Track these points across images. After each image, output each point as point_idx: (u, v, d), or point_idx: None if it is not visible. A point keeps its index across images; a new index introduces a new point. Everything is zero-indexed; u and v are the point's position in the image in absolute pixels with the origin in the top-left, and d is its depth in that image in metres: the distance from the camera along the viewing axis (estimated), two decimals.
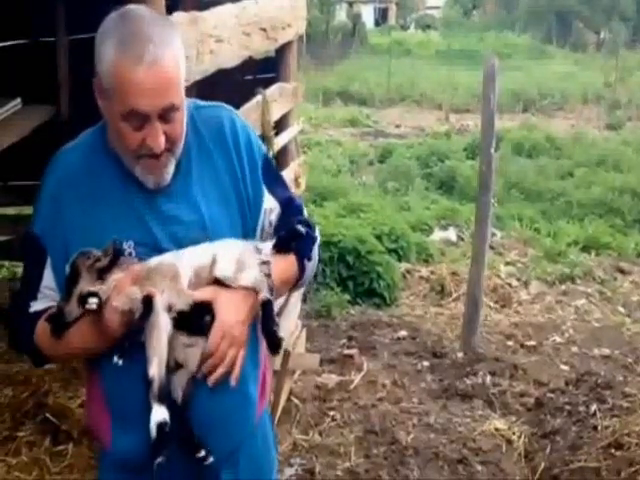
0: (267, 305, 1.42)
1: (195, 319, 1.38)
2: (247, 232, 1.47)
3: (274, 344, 1.44)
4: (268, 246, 1.45)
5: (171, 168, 1.39)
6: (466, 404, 3.76)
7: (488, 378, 4.01)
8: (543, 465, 3.25)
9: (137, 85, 1.29)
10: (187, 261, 1.38)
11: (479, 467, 3.22)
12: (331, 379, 3.86)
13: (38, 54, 3.56)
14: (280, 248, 1.46)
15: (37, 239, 1.43)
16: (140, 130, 1.33)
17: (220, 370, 1.38)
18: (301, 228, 1.49)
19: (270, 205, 1.50)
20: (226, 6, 2.53)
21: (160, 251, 1.40)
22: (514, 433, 3.50)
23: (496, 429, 3.53)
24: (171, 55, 1.32)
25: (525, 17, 32.12)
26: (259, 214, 1.49)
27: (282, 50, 3.46)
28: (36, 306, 1.45)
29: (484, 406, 3.76)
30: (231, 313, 1.38)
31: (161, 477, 1.37)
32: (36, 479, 2.79)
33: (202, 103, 1.52)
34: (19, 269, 5.00)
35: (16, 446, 2.92)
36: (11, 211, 4.70)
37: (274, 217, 1.50)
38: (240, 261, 1.40)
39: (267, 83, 3.32)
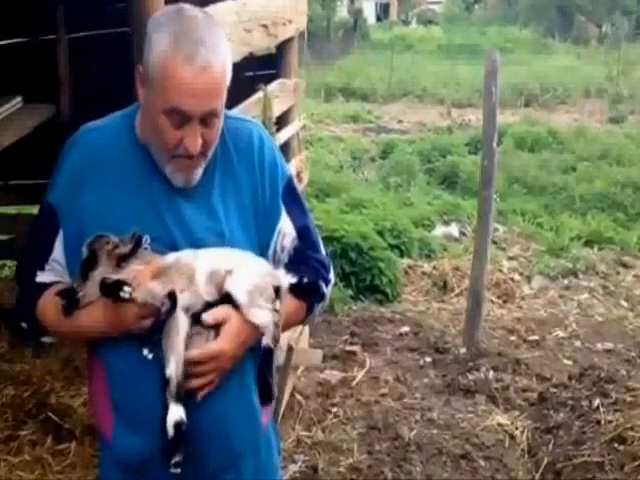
0: (268, 354, 1.41)
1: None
2: (262, 247, 1.48)
3: (266, 395, 1.44)
4: (285, 281, 1.43)
5: (200, 171, 1.40)
6: (469, 399, 3.76)
7: (491, 373, 4.00)
8: (546, 460, 3.25)
9: (185, 85, 1.30)
10: (204, 262, 1.38)
11: (482, 462, 3.22)
12: (334, 375, 3.86)
13: (39, 52, 3.56)
14: (297, 295, 1.47)
15: (52, 210, 1.43)
16: (179, 129, 1.34)
17: (191, 383, 1.37)
18: (324, 287, 1.50)
19: (286, 229, 1.50)
20: (226, 2, 2.53)
21: (175, 250, 1.39)
22: (517, 428, 3.50)
23: (499, 424, 3.52)
24: (221, 61, 1.34)
25: (527, 11, 31.96)
26: (273, 233, 1.49)
27: (283, 46, 3.46)
28: (42, 277, 1.44)
29: (487, 401, 3.75)
30: (233, 344, 1.38)
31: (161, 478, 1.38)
32: (38, 478, 2.80)
33: (231, 113, 1.53)
34: None
35: (18, 445, 2.92)
36: (12, 210, 4.70)
37: (288, 243, 1.50)
38: (255, 291, 1.38)
39: (268, 80, 3.32)
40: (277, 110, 3.16)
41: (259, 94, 2.92)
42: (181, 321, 1.35)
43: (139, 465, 1.43)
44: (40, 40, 3.60)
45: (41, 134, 2.88)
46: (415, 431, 3.40)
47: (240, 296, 1.37)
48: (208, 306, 1.38)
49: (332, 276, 1.55)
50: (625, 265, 6.25)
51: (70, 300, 1.37)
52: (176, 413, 1.33)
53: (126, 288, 1.31)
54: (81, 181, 1.41)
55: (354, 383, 3.84)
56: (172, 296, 1.33)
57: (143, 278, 1.33)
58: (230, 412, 1.43)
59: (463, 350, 4.32)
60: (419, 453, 3.23)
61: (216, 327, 1.38)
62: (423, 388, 3.88)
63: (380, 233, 5.70)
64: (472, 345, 4.33)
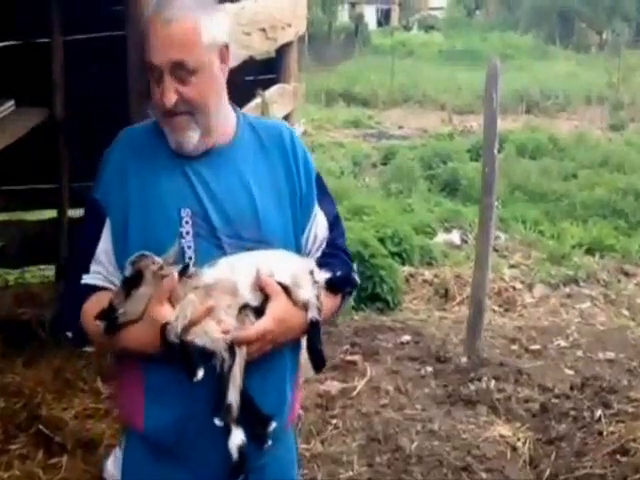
0: (315, 325, 1.46)
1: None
2: (297, 230, 1.53)
3: (318, 362, 1.49)
4: (321, 275, 1.49)
5: (193, 134, 1.45)
6: (470, 410, 3.73)
7: (492, 383, 3.97)
8: (548, 472, 3.22)
9: (152, 38, 1.42)
10: (243, 273, 1.41)
11: (484, 475, 3.18)
12: (334, 386, 3.83)
13: (32, 55, 3.54)
14: (333, 288, 1.52)
15: (98, 205, 1.48)
16: (159, 86, 1.43)
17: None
18: (356, 277, 1.58)
19: (319, 216, 1.57)
20: (225, 5, 2.51)
21: (210, 225, 1.44)
22: (519, 439, 3.47)
23: (501, 435, 3.49)
24: (190, 18, 1.41)
25: (528, 17, 32.02)
26: (309, 219, 1.55)
27: (282, 50, 3.44)
28: (88, 280, 1.47)
29: (488, 412, 3.72)
30: (277, 326, 1.42)
31: (194, 464, 1.43)
32: None
33: (261, 117, 1.67)
34: (11, 277, 4.98)
35: (8, 459, 2.87)
36: (3, 216, 4.64)
37: (321, 231, 1.57)
38: (295, 277, 1.44)
39: (268, 84, 3.30)
40: (276, 115, 3.14)
41: (257, 99, 2.90)
42: (239, 355, 1.38)
43: (172, 444, 1.45)
44: (34, 43, 3.57)
45: (33, 138, 2.86)
46: (416, 443, 3.36)
47: (286, 280, 1.43)
48: (255, 310, 1.41)
49: (355, 266, 1.63)
50: (626, 273, 6.24)
51: (110, 320, 1.38)
52: (238, 437, 1.37)
53: (200, 373, 1.34)
54: (126, 170, 1.48)
55: (354, 393, 3.80)
56: (232, 350, 1.36)
57: (200, 317, 1.36)
58: (265, 395, 1.45)
59: (464, 359, 4.29)
60: (420, 465, 3.20)
61: (261, 312, 1.41)
62: (424, 398, 3.85)
63: (381, 240, 5.68)
64: (473, 354, 4.30)
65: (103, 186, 1.50)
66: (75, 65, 3.39)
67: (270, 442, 1.44)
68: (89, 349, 1.56)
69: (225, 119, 1.52)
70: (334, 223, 1.60)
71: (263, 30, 2.88)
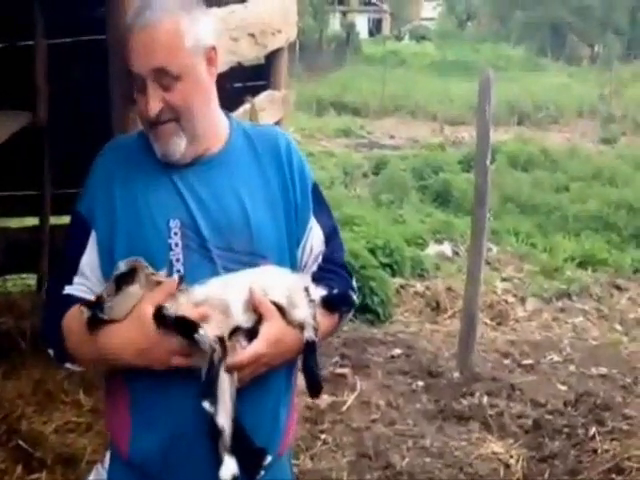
0: (311, 346, 1.39)
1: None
2: (292, 242, 1.47)
3: (315, 387, 1.41)
4: (317, 293, 1.42)
5: (179, 142, 1.40)
6: (462, 426, 3.67)
7: (485, 399, 3.92)
8: None
9: (130, 46, 1.37)
10: (235, 291, 1.34)
11: None
12: (323, 400, 3.75)
13: (15, 58, 3.45)
14: (329, 307, 1.44)
15: (81, 215, 1.44)
16: (143, 95, 1.38)
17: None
18: (353, 295, 1.50)
19: (315, 229, 1.50)
20: (212, 9, 2.45)
21: (200, 236, 1.39)
22: (512, 457, 3.41)
23: (493, 453, 3.43)
24: (169, 21, 1.35)
25: (520, 29, 32.29)
26: (304, 230, 1.49)
27: (272, 57, 3.40)
28: (70, 290, 1.41)
29: (481, 428, 3.66)
30: (271, 348, 1.35)
31: None
32: None
33: (257, 124, 1.62)
34: None
35: None
36: None
37: (316, 245, 1.50)
38: (290, 296, 1.38)
39: (257, 91, 3.25)
40: (265, 123, 3.07)
41: (246, 106, 2.84)
42: (226, 375, 1.31)
43: (159, 471, 1.39)
44: (17, 45, 3.49)
45: (15, 143, 2.78)
46: (407, 459, 3.30)
47: (281, 300, 1.37)
48: (248, 332, 1.34)
49: (354, 281, 1.56)
50: (619, 287, 6.22)
51: (96, 310, 1.31)
52: (231, 466, 1.29)
53: (202, 331, 1.27)
54: (112, 181, 1.44)
55: (344, 408, 3.73)
56: (222, 341, 1.29)
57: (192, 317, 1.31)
58: (257, 415, 1.38)
59: (456, 374, 4.23)
60: None
61: (254, 333, 1.35)
62: (415, 414, 3.78)
63: (372, 251, 5.62)
64: (466, 369, 4.25)
65: (88, 198, 1.45)
66: (59, 69, 3.32)
67: (262, 473, 1.36)
68: (70, 366, 1.47)
69: (215, 125, 1.46)
70: (331, 236, 1.52)
71: (252, 35, 2.83)
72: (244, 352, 1.32)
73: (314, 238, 1.49)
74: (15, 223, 4.68)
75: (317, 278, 1.46)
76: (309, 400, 3.73)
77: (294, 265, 1.47)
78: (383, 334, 4.88)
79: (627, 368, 4.52)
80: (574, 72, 24.38)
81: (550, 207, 8.69)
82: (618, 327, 5.41)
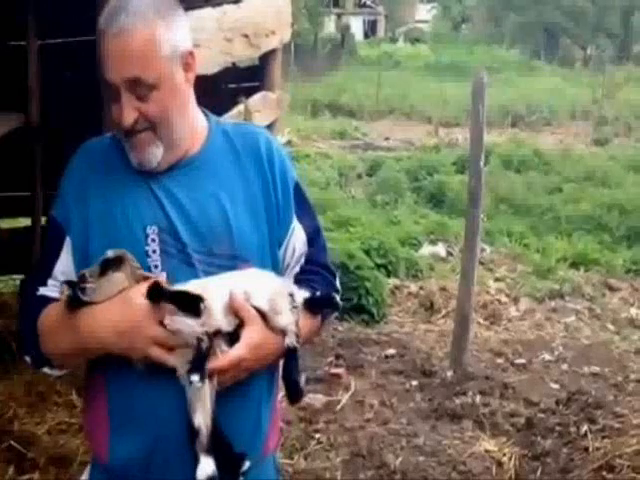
0: (293, 353, 1.37)
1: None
2: (273, 244, 1.44)
3: (295, 394, 1.39)
4: (300, 296, 1.40)
5: (155, 151, 1.36)
6: (455, 425, 3.69)
7: (478, 397, 3.94)
8: None
9: (105, 53, 1.31)
10: (215, 293, 1.31)
11: None
12: (317, 399, 3.77)
13: (7, 59, 3.44)
14: (312, 308, 1.43)
15: (56, 221, 1.42)
16: (118, 103, 1.33)
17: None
18: (336, 297, 1.47)
19: (297, 229, 1.47)
20: (206, 9, 2.45)
21: (180, 241, 1.36)
22: (504, 455, 3.43)
23: (486, 451, 3.45)
24: (142, 27, 1.29)
25: (513, 32, 32.40)
26: (287, 231, 1.46)
27: (266, 58, 3.40)
28: (45, 292, 1.39)
29: (474, 427, 3.69)
30: (252, 354, 1.33)
31: None
32: None
33: (240, 122, 1.57)
34: None
35: None
36: None
37: (299, 247, 1.47)
38: (273, 301, 1.35)
39: (251, 92, 3.26)
40: (259, 124, 3.09)
41: (240, 107, 2.84)
42: (205, 370, 1.29)
43: (140, 471, 1.37)
44: (9, 46, 3.48)
45: (7, 144, 2.78)
46: (401, 458, 3.32)
47: (263, 305, 1.34)
48: (228, 335, 1.32)
49: (338, 283, 1.53)
50: (611, 287, 6.26)
51: (77, 290, 1.27)
52: (208, 467, 1.27)
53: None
54: (86, 187, 1.41)
55: (338, 407, 3.75)
56: (208, 335, 1.28)
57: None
58: (238, 419, 1.37)
59: (450, 373, 4.26)
60: None
61: (235, 338, 1.33)
62: (409, 413, 3.80)
63: (366, 252, 5.64)
64: (459, 368, 4.27)
65: (62, 204, 1.42)
66: (51, 70, 3.31)
67: (242, 479, 1.34)
68: (48, 371, 1.47)
69: (192, 128, 1.42)
70: (314, 238, 1.49)
71: (246, 36, 2.83)
72: (225, 356, 1.30)
73: (296, 239, 1.47)
74: (7, 224, 4.68)
75: (300, 279, 1.45)
76: (304, 400, 3.75)
77: (276, 267, 1.44)
78: (377, 334, 4.90)
79: (619, 367, 4.55)
80: (567, 74, 24.45)
81: (543, 208, 8.74)
82: (610, 326, 5.45)
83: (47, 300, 1.37)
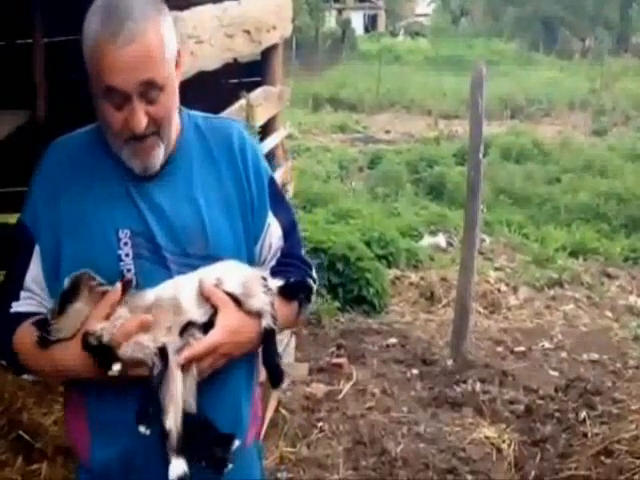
0: (270, 335, 1.35)
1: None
2: (249, 241, 1.42)
3: (276, 377, 1.37)
4: (274, 283, 1.39)
5: (159, 153, 1.34)
6: (456, 412, 3.73)
7: (478, 385, 3.98)
8: (533, 474, 3.23)
9: (114, 61, 1.26)
10: (187, 288, 1.32)
11: (469, 477, 3.18)
12: (320, 389, 3.81)
13: (13, 56, 3.44)
14: (287, 295, 1.41)
15: (25, 230, 1.38)
16: (121, 110, 1.29)
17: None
18: (311, 282, 1.46)
19: (273, 225, 1.45)
20: (207, 6, 2.47)
21: (154, 243, 1.34)
22: (504, 441, 3.47)
23: (486, 437, 3.49)
24: (153, 30, 1.28)
25: (512, 25, 32.34)
26: (262, 228, 1.44)
27: (267, 53, 3.42)
28: (18, 307, 1.37)
29: (474, 414, 3.73)
30: (228, 339, 1.32)
31: None
32: None
33: (212, 115, 1.50)
34: None
35: None
36: None
37: (275, 240, 1.46)
38: (246, 286, 1.34)
39: (253, 87, 3.28)
40: (261, 118, 3.11)
41: (241, 101, 2.86)
42: (177, 373, 1.28)
43: (121, 475, 1.38)
44: (16, 44, 3.50)
45: (14, 141, 2.81)
46: (402, 445, 3.36)
47: (236, 289, 1.33)
48: (204, 326, 1.31)
49: (315, 274, 1.51)
50: (609, 276, 6.30)
51: (45, 331, 1.30)
52: (179, 467, 1.27)
53: (115, 367, 1.25)
54: (56, 189, 1.37)
55: (340, 396, 3.79)
56: (163, 353, 1.27)
57: (129, 331, 1.27)
58: (216, 412, 1.35)
59: (450, 362, 4.30)
60: (406, 468, 3.19)
61: (212, 326, 1.32)
62: (410, 401, 3.84)
63: (367, 244, 5.68)
64: (459, 357, 4.31)
65: (31, 209, 1.38)
66: (57, 67, 3.34)
67: (230, 466, 1.31)
68: (28, 377, 1.48)
69: (176, 126, 1.39)
70: (289, 231, 1.47)
71: (247, 32, 2.85)
72: (199, 343, 1.29)
73: (272, 234, 1.45)
74: (14, 219, 4.70)
75: (275, 271, 1.43)
76: (307, 389, 3.81)
77: (252, 263, 1.42)
78: (378, 324, 4.94)
79: (617, 354, 4.59)
80: (566, 66, 24.42)
81: (542, 198, 8.78)
82: (608, 314, 5.48)
83: (21, 316, 1.36)
